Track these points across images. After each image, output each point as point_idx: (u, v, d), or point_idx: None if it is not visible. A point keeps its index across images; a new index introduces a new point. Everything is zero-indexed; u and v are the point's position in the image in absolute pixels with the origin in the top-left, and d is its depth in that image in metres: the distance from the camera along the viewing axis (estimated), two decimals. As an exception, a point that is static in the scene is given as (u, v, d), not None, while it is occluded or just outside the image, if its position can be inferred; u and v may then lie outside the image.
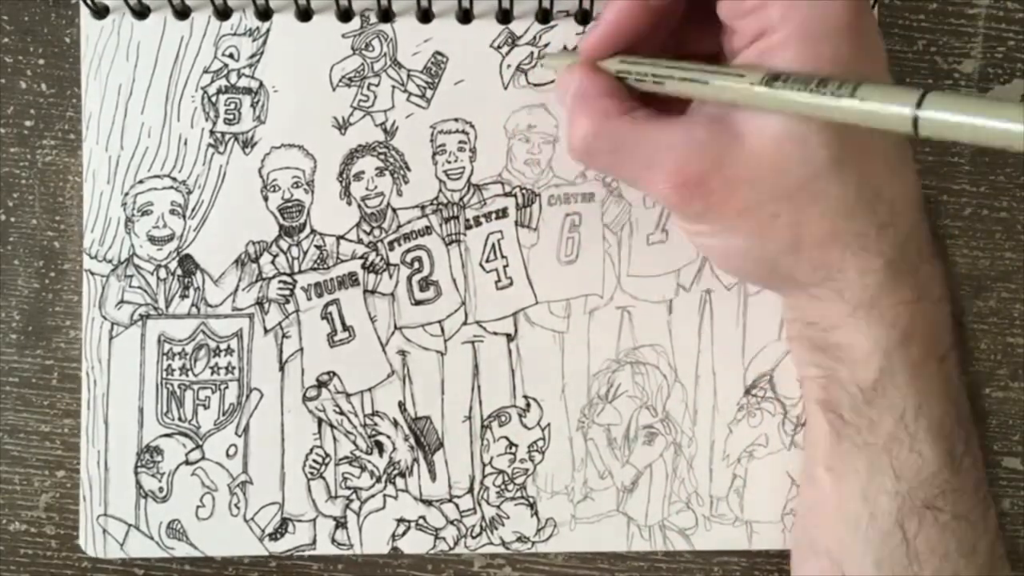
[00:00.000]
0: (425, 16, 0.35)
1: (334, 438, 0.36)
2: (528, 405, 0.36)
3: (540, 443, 0.36)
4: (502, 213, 0.36)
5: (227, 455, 0.35)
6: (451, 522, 0.36)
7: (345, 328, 0.36)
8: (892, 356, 0.29)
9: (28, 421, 0.37)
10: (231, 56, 0.35)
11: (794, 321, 0.32)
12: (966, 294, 0.38)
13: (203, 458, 0.35)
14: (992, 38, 0.37)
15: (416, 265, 0.36)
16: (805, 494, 0.34)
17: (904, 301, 0.29)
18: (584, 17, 0.35)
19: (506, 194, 0.36)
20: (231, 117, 0.36)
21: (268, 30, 0.35)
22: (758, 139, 0.27)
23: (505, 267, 0.36)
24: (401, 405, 0.36)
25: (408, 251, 0.36)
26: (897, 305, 0.29)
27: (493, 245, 0.36)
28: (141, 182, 0.35)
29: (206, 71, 0.35)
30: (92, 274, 0.35)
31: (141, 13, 0.35)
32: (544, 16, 0.36)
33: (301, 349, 0.36)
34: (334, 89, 0.36)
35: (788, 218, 0.28)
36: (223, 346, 0.36)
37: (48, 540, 0.37)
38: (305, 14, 0.35)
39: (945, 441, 0.30)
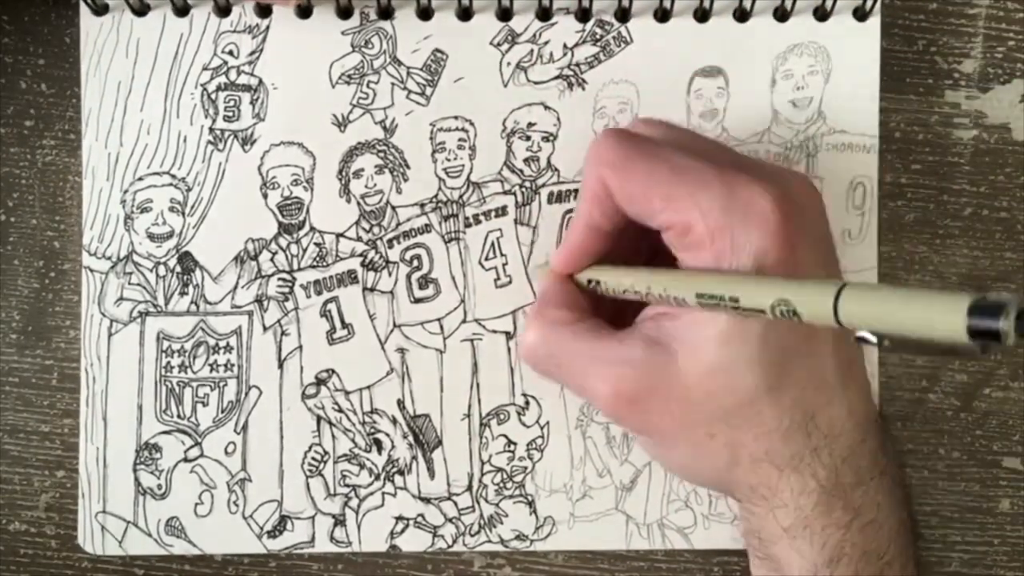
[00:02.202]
0: (425, 13, 0.35)
1: (333, 436, 0.36)
2: (527, 403, 0.36)
3: (539, 441, 0.36)
4: (501, 211, 0.36)
5: (226, 452, 0.35)
6: (449, 520, 0.36)
7: (344, 326, 0.36)
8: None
9: (28, 421, 0.37)
10: (231, 53, 0.35)
11: (741, 526, 0.33)
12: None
13: (202, 455, 0.35)
14: (992, 38, 0.37)
15: (415, 263, 0.36)
16: None
17: (837, 524, 0.29)
18: (584, 15, 0.35)
19: (505, 192, 0.36)
20: (230, 114, 0.36)
21: (268, 27, 0.35)
22: (692, 365, 0.28)
23: (504, 265, 0.36)
24: (400, 403, 0.36)
25: (407, 249, 0.36)
26: (828, 527, 0.29)
27: (492, 243, 0.36)
28: (140, 179, 0.35)
29: (205, 68, 0.35)
30: (91, 271, 0.35)
31: (141, 10, 0.35)
32: (544, 13, 0.35)
33: (300, 347, 0.36)
34: (333, 86, 0.36)
35: (724, 438, 0.29)
36: (222, 343, 0.36)
37: (48, 540, 0.37)
38: (305, 11, 0.35)
39: None
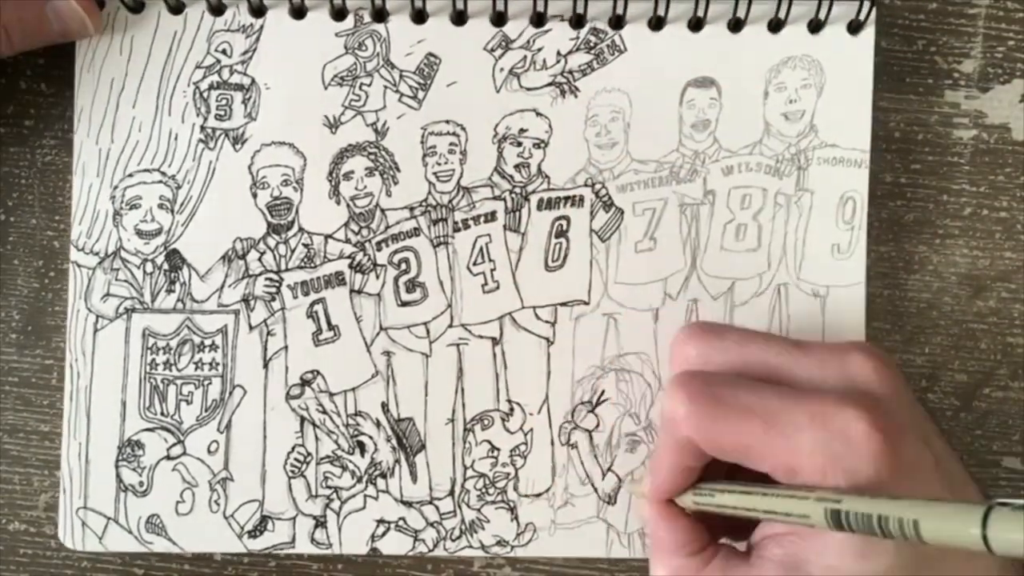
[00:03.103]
0: (419, 16, 0.35)
1: (316, 437, 0.36)
2: (511, 409, 0.36)
3: (522, 447, 0.36)
4: (491, 216, 0.36)
5: (208, 451, 0.35)
6: (431, 524, 0.36)
7: (330, 327, 0.36)
8: None
9: (28, 421, 0.37)
10: (224, 52, 0.35)
11: None
12: (966, 294, 0.37)
13: (184, 453, 0.35)
14: (992, 38, 0.37)
15: (403, 266, 0.36)
16: None
17: None
18: (578, 21, 0.35)
19: (495, 197, 0.36)
20: (222, 113, 0.36)
21: (261, 27, 0.35)
22: None
23: (492, 270, 0.36)
24: (384, 406, 0.36)
25: (396, 252, 0.36)
26: None
27: (481, 248, 0.36)
28: (130, 176, 0.35)
29: (198, 66, 0.35)
30: (79, 266, 0.35)
31: (135, 7, 0.35)
32: (538, 19, 0.35)
33: (286, 347, 0.36)
34: (326, 88, 0.36)
35: None
36: (208, 342, 0.36)
37: (48, 540, 0.37)
38: (299, 12, 0.35)
39: None
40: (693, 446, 0.29)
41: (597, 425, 0.36)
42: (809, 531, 0.28)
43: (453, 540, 0.36)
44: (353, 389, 0.36)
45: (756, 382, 0.29)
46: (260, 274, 0.36)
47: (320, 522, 0.36)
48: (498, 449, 0.36)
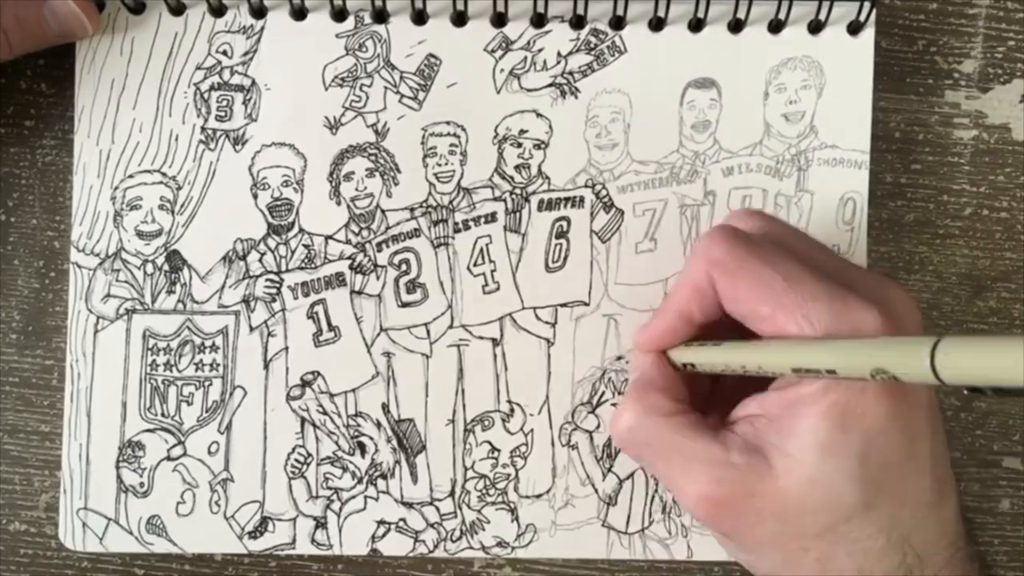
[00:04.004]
0: (419, 18, 0.35)
1: (317, 438, 0.36)
2: (512, 410, 0.36)
3: (523, 448, 0.36)
4: (491, 217, 0.36)
5: (209, 452, 0.35)
6: (431, 525, 0.36)
7: (331, 328, 0.36)
8: None
9: (28, 421, 0.37)
10: (224, 53, 0.35)
11: None
12: (966, 294, 0.37)
13: (185, 454, 0.35)
14: (992, 38, 0.37)
15: (403, 267, 0.36)
16: None
17: None
18: (579, 22, 0.35)
19: (495, 198, 0.36)
20: (223, 114, 0.36)
21: (262, 28, 0.35)
22: (791, 477, 0.27)
23: (492, 271, 0.36)
24: (385, 407, 0.36)
25: (396, 253, 0.36)
26: None
27: (481, 249, 0.36)
28: (131, 177, 0.36)
29: (199, 67, 0.35)
30: (79, 267, 0.35)
31: (136, 8, 0.35)
32: (539, 20, 0.35)
33: (286, 348, 0.36)
34: (326, 89, 0.36)
35: (817, 553, 0.28)
36: (208, 343, 0.36)
37: (48, 540, 0.37)
38: (299, 13, 0.35)
39: None
40: (707, 293, 0.29)
41: (598, 426, 0.36)
42: (781, 417, 0.28)
43: (453, 541, 0.36)
44: (353, 390, 0.36)
45: (796, 247, 0.30)
46: (261, 275, 0.36)
47: (320, 523, 0.36)
48: (498, 450, 0.36)
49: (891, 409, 0.27)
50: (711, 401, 0.32)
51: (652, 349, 0.31)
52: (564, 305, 0.36)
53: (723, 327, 0.30)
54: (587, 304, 0.36)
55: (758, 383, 0.29)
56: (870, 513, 0.27)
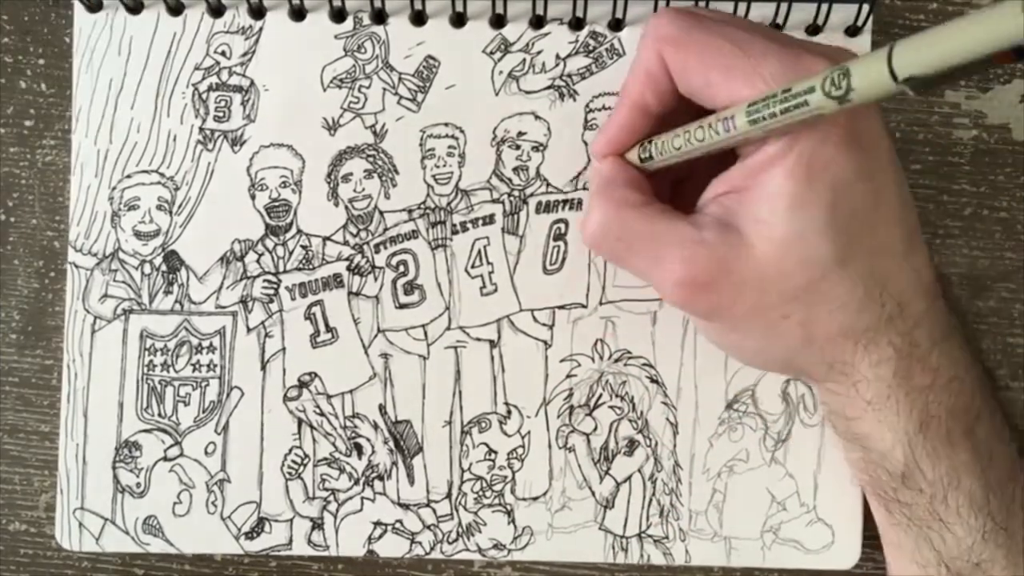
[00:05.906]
0: (418, 19, 0.35)
1: (313, 439, 0.36)
2: (509, 412, 0.36)
3: (519, 450, 0.36)
4: (489, 219, 0.36)
5: (206, 453, 0.35)
6: (428, 527, 0.36)
7: (328, 329, 0.36)
8: (914, 444, 0.29)
9: (28, 421, 0.37)
10: (223, 54, 0.35)
11: (823, 409, 0.33)
12: (966, 294, 0.37)
13: (182, 455, 0.35)
14: (992, 40, 0.37)
15: (401, 268, 0.36)
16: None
17: (918, 388, 0.29)
18: (578, 23, 0.35)
19: (494, 200, 0.36)
20: (221, 115, 0.36)
21: (261, 29, 0.35)
22: (763, 240, 0.27)
23: (490, 273, 0.36)
24: (382, 408, 0.36)
25: (394, 254, 0.36)
26: (911, 393, 0.29)
27: (479, 251, 0.36)
28: (129, 177, 0.35)
29: (197, 68, 0.35)
30: (76, 267, 0.35)
31: (134, 8, 0.35)
32: (538, 22, 0.35)
33: (283, 349, 0.36)
34: (325, 90, 0.36)
35: (798, 317, 0.28)
36: (205, 343, 0.35)
37: (48, 540, 0.37)
38: (298, 14, 0.35)
39: (978, 516, 0.30)
40: (659, 76, 0.29)
41: (595, 429, 0.36)
42: (748, 187, 0.28)
43: (450, 543, 0.36)
44: (351, 391, 0.36)
45: (741, 22, 0.29)
46: (258, 276, 0.36)
47: (317, 524, 0.36)
48: (495, 452, 0.36)
49: (856, 161, 0.27)
50: (675, 203, 0.31)
51: (611, 152, 0.31)
52: (562, 307, 0.36)
53: (678, 124, 0.30)
54: (585, 306, 0.36)
55: (720, 171, 0.29)
56: (845, 267, 0.28)
